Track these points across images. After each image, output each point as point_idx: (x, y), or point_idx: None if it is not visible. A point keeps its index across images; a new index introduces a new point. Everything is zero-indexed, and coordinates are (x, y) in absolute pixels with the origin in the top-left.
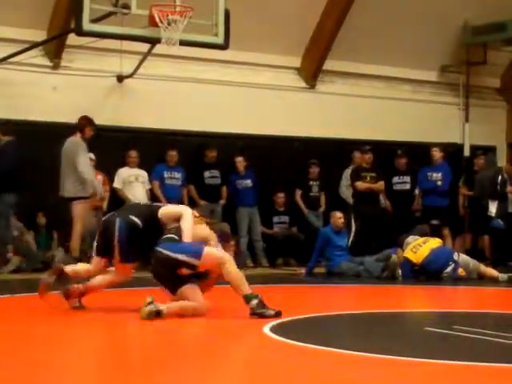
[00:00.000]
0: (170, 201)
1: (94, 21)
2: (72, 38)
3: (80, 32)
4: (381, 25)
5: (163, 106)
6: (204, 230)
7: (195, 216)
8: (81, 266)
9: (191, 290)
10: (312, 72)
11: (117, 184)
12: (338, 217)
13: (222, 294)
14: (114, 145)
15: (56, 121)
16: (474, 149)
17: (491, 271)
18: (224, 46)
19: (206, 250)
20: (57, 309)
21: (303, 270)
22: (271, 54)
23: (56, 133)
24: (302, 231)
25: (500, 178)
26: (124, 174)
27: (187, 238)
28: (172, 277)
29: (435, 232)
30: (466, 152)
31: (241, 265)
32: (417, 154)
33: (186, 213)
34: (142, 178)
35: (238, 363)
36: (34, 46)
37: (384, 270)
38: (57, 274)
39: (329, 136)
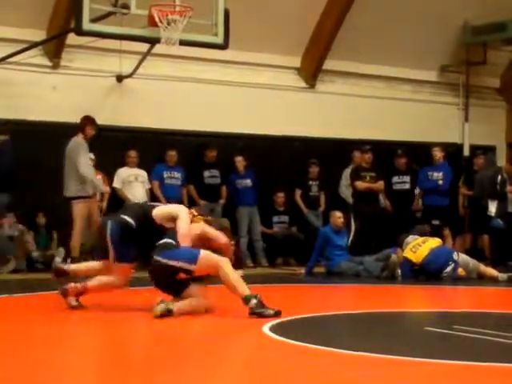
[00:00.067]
0: (169, 200)
1: (94, 20)
2: (71, 38)
3: (79, 32)
4: (380, 25)
5: (163, 105)
6: (200, 227)
7: (193, 215)
8: (87, 265)
9: (195, 289)
10: (312, 72)
11: (116, 184)
12: (337, 216)
13: (221, 293)
14: (113, 145)
15: (55, 120)
16: (474, 148)
17: (491, 271)
18: (224, 46)
19: (202, 254)
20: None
21: (303, 270)
22: (271, 53)
23: (55, 133)
24: (302, 231)
25: (500, 177)
26: (123, 173)
27: (183, 240)
28: (172, 283)
29: (436, 232)
30: (466, 152)
31: (241, 265)
32: (416, 153)
33: (181, 213)
34: (142, 177)
35: (238, 363)
36: (34, 45)
37: (383, 269)
38: (56, 275)
39: (328, 136)
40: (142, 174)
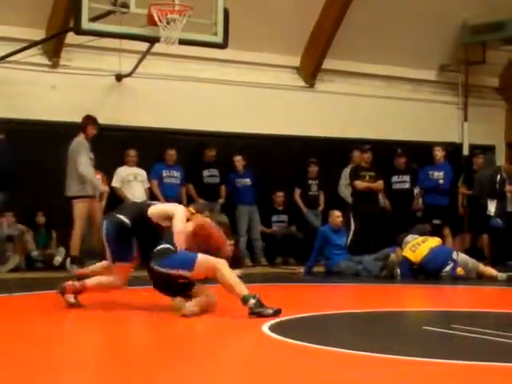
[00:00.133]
0: (168, 200)
1: (93, 20)
2: (71, 37)
3: (79, 31)
4: (379, 24)
5: (162, 105)
6: (195, 221)
7: (192, 212)
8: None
9: (201, 288)
10: (311, 71)
11: (115, 183)
12: (336, 215)
13: (220, 293)
14: (112, 144)
15: (55, 120)
16: (473, 148)
17: (490, 270)
18: (223, 45)
19: (199, 258)
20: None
21: (302, 269)
22: (270, 53)
23: (55, 132)
24: (301, 230)
25: (499, 177)
26: (123, 173)
27: (179, 239)
28: (173, 288)
29: (436, 231)
30: (465, 151)
31: (239, 264)
32: (415, 153)
33: (177, 212)
34: (141, 176)
35: (237, 362)
36: (33, 44)
37: (383, 269)
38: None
39: (328, 135)
40: (142, 173)
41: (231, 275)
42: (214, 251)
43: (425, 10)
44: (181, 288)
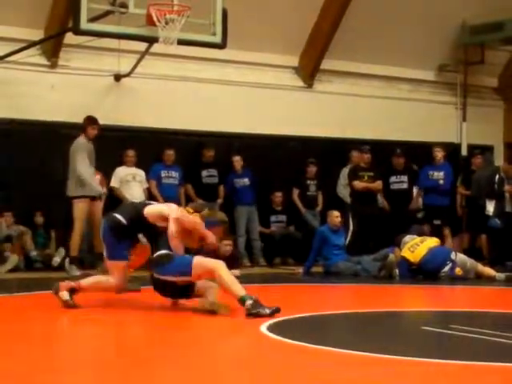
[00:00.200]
0: (167, 200)
1: (92, 20)
2: (69, 37)
3: (77, 31)
4: (378, 24)
5: (161, 105)
6: (191, 222)
7: (189, 212)
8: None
9: (206, 284)
10: (310, 71)
11: (114, 183)
12: (335, 216)
13: (219, 293)
14: (111, 144)
15: (53, 120)
16: (472, 148)
17: (489, 270)
18: (222, 46)
19: (196, 261)
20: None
21: (301, 270)
22: (269, 53)
23: (53, 132)
24: (300, 230)
25: (497, 177)
26: (121, 173)
27: (176, 248)
28: (174, 290)
29: (436, 232)
30: (464, 151)
31: (238, 265)
32: (414, 153)
33: (171, 213)
34: (140, 177)
35: (236, 362)
36: (32, 44)
37: (381, 269)
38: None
39: (326, 135)
40: (140, 173)
41: (229, 276)
42: (199, 246)
43: (424, 11)
44: (181, 290)
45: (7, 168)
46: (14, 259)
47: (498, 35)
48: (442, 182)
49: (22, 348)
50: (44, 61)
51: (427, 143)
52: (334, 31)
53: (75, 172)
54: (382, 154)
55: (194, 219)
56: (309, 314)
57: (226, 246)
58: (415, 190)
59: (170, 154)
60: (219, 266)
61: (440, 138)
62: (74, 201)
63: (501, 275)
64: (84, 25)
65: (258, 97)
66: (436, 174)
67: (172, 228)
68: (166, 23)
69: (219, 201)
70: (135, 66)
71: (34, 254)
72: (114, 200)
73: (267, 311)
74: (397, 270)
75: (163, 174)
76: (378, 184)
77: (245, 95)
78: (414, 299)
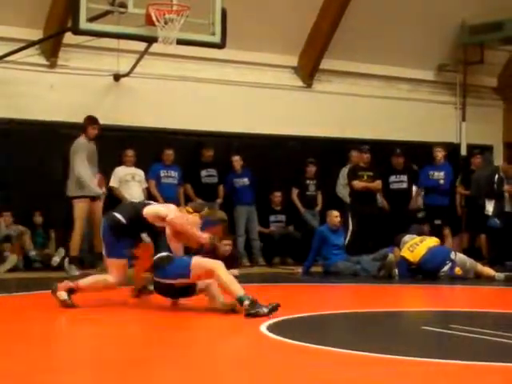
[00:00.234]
0: (166, 200)
1: (91, 20)
2: (69, 37)
3: (77, 31)
4: (377, 24)
5: (160, 104)
6: (187, 225)
7: (189, 212)
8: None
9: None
10: (309, 71)
11: (113, 183)
12: (334, 215)
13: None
14: (110, 144)
15: (52, 120)
16: (471, 148)
17: (488, 270)
18: (221, 45)
19: (194, 262)
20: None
21: (300, 269)
22: (268, 53)
23: (52, 132)
24: (299, 230)
25: (497, 177)
26: (120, 172)
27: (174, 248)
28: (174, 292)
29: (437, 232)
30: (463, 151)
31: (237, 264)
32: (413, 153)
33: (169, 214)
34: (139, 176)
35: (235, 362)
36: (31, 44)
37: (381, 269)
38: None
39: (325, 135)
40: (139, 173)
41: (227, 276)
42: (199, 246)
43: (423, 10)
44: (181, 291)
45: (6, 168)
46: (13, 259)
47: (498, 35)
48: (442, 181)
49: (20, 348)
50: (43, 61)
51: (427, 143)
52: (333, 31)
53: (74, 172)
54: (382, 153)
55: (185, 223)
56: (308, 313)
57: (226, 246)
58: (414, 190)
59: (169, 153)
60: (217, 266)
61: (439, 137)
62: (74, 201)
63: (500, 275)
64: (83, 25)
65: (257, 97)
66: (436, 173)
67: (167, 231)
68: (166, 23)
69: (219, 201)
70: (134, 66)
71: (33, 253)
72: (113, 200)
73: (265, 310)
74: (396, 270)
75: (162, 173)
76: (378, 184)
77: (244, 95)
78: (413, 299)
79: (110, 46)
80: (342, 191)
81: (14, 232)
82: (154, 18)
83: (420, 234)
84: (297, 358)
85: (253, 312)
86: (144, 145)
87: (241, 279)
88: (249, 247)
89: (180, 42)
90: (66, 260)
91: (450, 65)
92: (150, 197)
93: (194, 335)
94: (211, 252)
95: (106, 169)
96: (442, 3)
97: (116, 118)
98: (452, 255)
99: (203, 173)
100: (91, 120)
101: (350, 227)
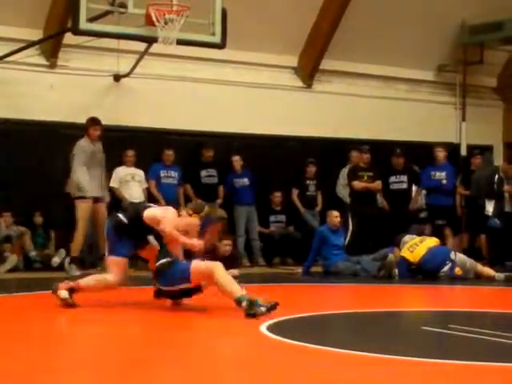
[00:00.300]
0: (166, 200)
1: (91, 20)
2: (68, 37)
3: (76, 31)
4: (377, 24)
5: (160, 105)
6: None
7: (189, 214)
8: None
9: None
10: (309, 71)
11: (113, 183)
12: (334, 216)
13: (218, 294)
14: (110, 144)
15: (52, 120)
16: (471, 148)
17: (488, 270)
18: (221, 46)
19: (193, 267)
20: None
21: (300, 269)
22: (268, 53)
23: (52, 132)
24: (299, 230)
25: (497, 177)
26: (121, 173)
27: (172, 248)
28: (176, 294)
29: (438, 232)
30: (463, 151)
31: (237, 264)
32: (414, 153)
33: (165, 220)
34: (139, 177)
35: (235, 362)
36: (31, 45)
37: (381, 269)
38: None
39: (325, 135)
40: (139, 173)
41: (225, 277)
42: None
43: (423, 11)
44: (183, 293)
45: (6, 168)
46: (13, 259)
47: (498, 35)
48: (444, 182)
49: (20, 348)
50: (43, 61)
51: (427, 143)
52: (333, 31)
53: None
54: (382, 154)
55: (176, 234)
56: (308, 314)
57: (226, 246)
58: (414, 190)
59: (169, 153)
60: (216, 267)
61: (439, 137)
62: (77, 201)
63: (500, 275)
64: (83, 25)
65: (257, 97)
66: (438, 174)
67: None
68: (166, 23)
69: (219, 201)
70: (134, 66)
71: (33, 254)
72: (114, 200)
73: (263, 309)
74: (396, 270)
75: (162, 173)
76: (378, 184)
77: (244, 95)
78: (413, 299)
79: (110, 46)
80: (342, 191)
81: (14, 232)
82: (153, 19)
83: (420, 234)
84: (297, 358)
85: (251, 312)
86: (144, 145)
87: (241, 279)
88: (249, 247)
89: (180, 42)
90: (67, 260)
91: (449, 65)
92: (150, 197)
93: (194, 335)
94: (211, 252)
95: (106, 169)
96: (441, 3)
97: (116, 119)
98: (452, 255)
99: (203, 173)
100: (93, 121)
101: (350, 227)
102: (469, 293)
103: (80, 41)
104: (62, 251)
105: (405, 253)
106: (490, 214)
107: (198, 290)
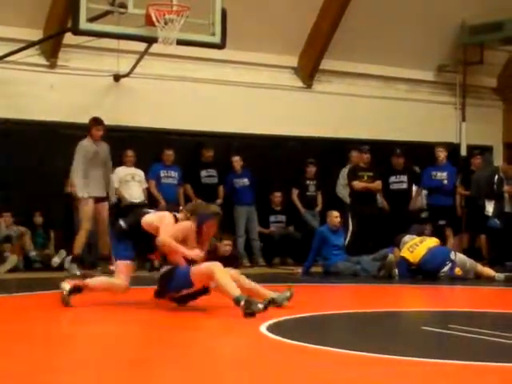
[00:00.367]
0: (166, 200)
1: (91, 20)
2: (68, 37)
3: (76, 31)
4: (377, 24)
5: (160, 105)
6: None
7: (188, 218)
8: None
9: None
10: (309, 71)
11: (113, 183)
12: (334, 216)
13: (218, 292)
14: (110, 144)
15: (52, 120)
16: (471, 148)
17: (488, 271)
18: (221, 46)
19: (192, 270)
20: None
21: (300, 270)
22: (268, 53)
23: (52, 132)
24: (299, 230)
25: (496, 177)
26: (121, 173)
27: (174, 257)
28: (188, 298)
29: (438, 232)
30: (463, 152)
31: (237, 264)
32: (414, 153)
33: (162, 230)
34: (139, 177)
35: (235, 362)
36: (31, 45)
37: (381, 269)
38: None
39: (326, 135)
40: (139, 173)
41: (224, 277)
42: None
43: (423, 11)
44: (189, 297)
45: (6, 168)
46: (13, 259)
47: (498, 35)
48: (445, 182)
49: (21, 348)
50: (43, 61)
51: (427, 143)
52: (333, 31)
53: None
54: (382, 154)
55: (174, 245)
56: (308, 314)
57: (226, 246)
58: (414, 190)
59: (169, 154)
60: (215, 267)
61: (439, 138)
62: (78, 202)
63: (500, 275)
64: (83, 25)
65: (257, 97)
66: (439, 174)
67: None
68: (165, 23)
69: (219, 201)
70: (134, 66)
71: (33, 254)
72: (118, 200)
73: (260, 307)
74: (396, 270)
75: (162, 173)
76: (378, 184)
77: (244, 95)
78: (413, 299)
79: (110, 46)
80: (342, 191)
81: (14, 232)
82: (153, 19)
83: (420, 234)
84: (296, 358)
85: (249, 311)
86: (144, 145)
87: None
88: (249, 247)
89: (180, 42)
90: (68, 259)
91: (449, 65)
92: (150, 197)
93: (194, 335)
94: (212, 252)
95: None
96: (442, 3)
97: (116, 119)
98: (452, 255)
99: (203, 173)
100: (96, 121)
101: (350, 227)
102: (469, 293)
103: (80, 41)
104: (63, 251)
105: (405, 253)
106: (490, 214)
107: (205, 291)
